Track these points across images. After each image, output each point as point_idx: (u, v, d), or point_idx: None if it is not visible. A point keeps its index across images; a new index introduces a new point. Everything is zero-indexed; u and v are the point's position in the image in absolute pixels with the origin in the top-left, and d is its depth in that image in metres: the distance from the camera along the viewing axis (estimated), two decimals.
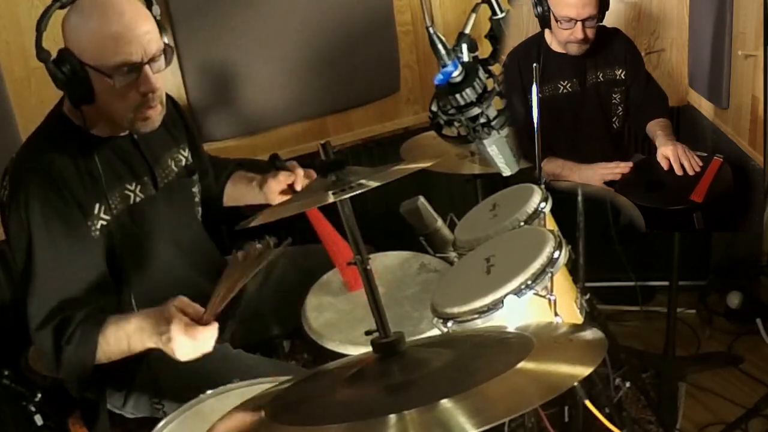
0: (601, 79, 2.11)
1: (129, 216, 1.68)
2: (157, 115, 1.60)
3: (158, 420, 1.45)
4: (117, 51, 1.49)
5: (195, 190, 1.91)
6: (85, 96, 1.53)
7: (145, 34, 1.51)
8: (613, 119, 2.14)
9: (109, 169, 1.63)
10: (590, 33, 2.02)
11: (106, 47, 1.48)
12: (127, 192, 1.68)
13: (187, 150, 1.89)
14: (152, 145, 1.76)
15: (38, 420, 1.86)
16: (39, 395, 1.88)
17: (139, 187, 1.71)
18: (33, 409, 1.86)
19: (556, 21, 2.02)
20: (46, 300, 1.55)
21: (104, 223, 1.62)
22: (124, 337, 1.51)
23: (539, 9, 2.03)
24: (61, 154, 1.58)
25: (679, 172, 2.00)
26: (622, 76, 2.10)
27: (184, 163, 1.87)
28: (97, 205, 1.61)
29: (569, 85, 2.11)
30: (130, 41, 1.49)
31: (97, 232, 1.61)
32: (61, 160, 1.57)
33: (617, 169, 2.08)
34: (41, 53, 1.50)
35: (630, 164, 2.08)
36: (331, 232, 1.86)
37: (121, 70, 1.50)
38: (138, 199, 1.70)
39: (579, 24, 2.00)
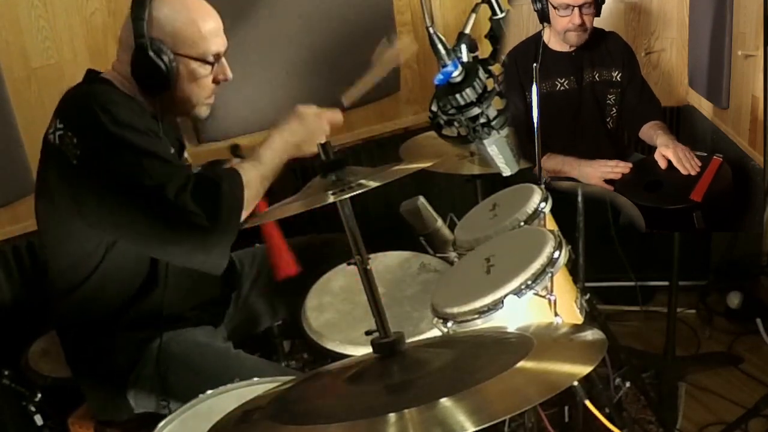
0: (597, 78, 2.12)
1: None
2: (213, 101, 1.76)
3: (157, 417, 1.45)
4: (215, 42, 1.66)
5: None
6: (173, 84, 1.63)
7: (222, 27, 1.69)
8: (607, 119, 2.15)
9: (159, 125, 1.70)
10: (587, 20, 2.05)
11: (207, 39, 1.64)
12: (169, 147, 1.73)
13: (186, 153, 1.92)
14: (174, 134, 1.84)
15: (38, 420, 1.87)
16: (39, 395, 1.88)
17: (173, 152, 1.76)
18: (33, 409, 1.87)
19: (555, 9, 2.04)
20: (169, 169, 1.57)
21: None
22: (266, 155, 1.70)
23: (538, 4, 2.05)
24: (122, 94, 1.65)
25: (683, 171, 2.00)
26: (618, 78, 2.11)
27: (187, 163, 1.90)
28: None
29: (566, 82, 2.12)
30: (220, 34, 1.68)
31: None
32: (123, 95, 1.65)
33: (617, 168, 2.09)
34: (143, 42, 1.58)
35: (629, 165, 2.08)
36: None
37: (214, 60, 1.67)
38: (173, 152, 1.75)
39: (576, 10, 2.03)
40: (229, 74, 1.71)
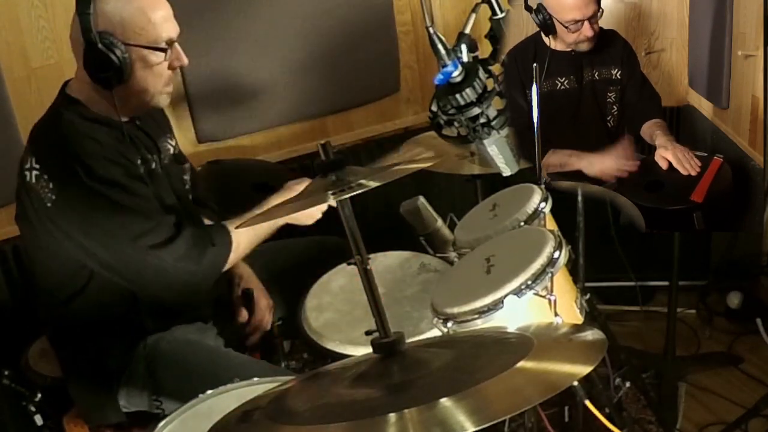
0: (597, 77, 2.12)
1: (149, 179, 1.71)
2: (172, 89, 1.73)
3: (149, 416, 1.45)
4: (166, 28, 1.63)
5: (186, 177, 1.92)
6: (128, 75, 1.60)
7: (172, 13, 1.66)
8: (608, 118, 2.15)
9: (127, 139, 1.69)
10: (596, 27, 2.05)
11: (157, 26, 1.61)
12: (147, 157, 1.74)
13: (173, 139, 1.92)
14: (151, 129, 1.81)
15: (38, 420, 1.86)
16: (39, 395, 1.88)
17: (152, 158, 1.76)
18: (33, 409, 1.86)
19: (564, 26, 2.03)
20: (146, 225, 1.60)
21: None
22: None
23: (540, 17, 2.04)
24: (90, 123, 1.63)
25: (683, 172, 2.00)
26: (618, 76, 2.11)
27: (172, 151, 1.89)
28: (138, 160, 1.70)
29: (566, 81, 2.12)
30: (170, 19, 1.65)
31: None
32: (91, 126, 1.63)
33: (625, 166, 2.08)
34: (91, 36, 1.55)
35: (638, 163, 2.08)
36: None
37: (167, 46, 1.63)
38: (154, 167, 1.75)
39: (586, 23, 2.02)
40: (185, 59, 1.68)
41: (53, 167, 1.58)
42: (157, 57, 1.62)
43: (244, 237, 1.73)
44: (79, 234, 1.60)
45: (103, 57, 1.56)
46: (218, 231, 1.71)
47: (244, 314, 1.91)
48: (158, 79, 1.66)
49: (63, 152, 1.58)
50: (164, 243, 1.60)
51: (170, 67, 1.67)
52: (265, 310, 1.94)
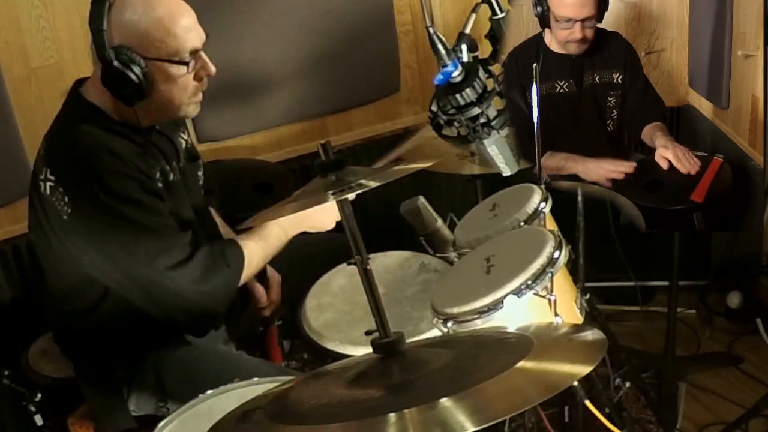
0: (598, 81, 2.11)
1: (167, 192, 1.67)
2: (201, 99, 1.66)
3: (158, 418, 1.45)
4: (189, 38, 1.55)
5: (200, 174, 1.89)
6: (149, 91, 1.53)
7: (196, 20, 1.58)
8: (608, 122, 2.15)
9: (149, 149, 1.65)
10: (589, 33, 2.03)
11: (179, 37, 1.53)
12: (166, 168, 1.69)
13: (186, 132, 1.88)
14: (169, 129, 1.76)
15: (38, 420, 1.87)
16: (39, 395, 1.88)
17: (171, 168, 1.72)
18: (33, 409, 1.87)
19: (556, 21, 2.03)
20: (162, 243, 1.56)
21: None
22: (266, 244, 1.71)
23: (539, 8, 2.03)
24: (110, 135, 1.57)
25: (683, 171, 2.00)
26: (620, 80, 2.10)
27: (185, 145, 1.85)
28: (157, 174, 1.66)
29: (566, 85, 2.12)
30: (193, 28, 1.57)
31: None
32: (111, 138, 1.57)
33: (621, 167, 2.08)
34: (106, 54, 1.48)
35: (633, 164, 2.08)
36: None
37: (191, 57, 1.56)
38: (172, 178, 1.70)
39: (578, 24, 2.01)
40: (212, 69, 1.61)
41: (69, 181, 1.53)
42: (179, 70, 1.55)
43: (256, 252, 1.69)
44: (94, 250, 1.56)
45: (121, 74, 1.48)
46: (232, 249, 1.66)
47: (262, 292, 1.89)
48: (183, 92, 1.59)
49: (79, 166, 1.53)
50: (180, 264, 1.56)
51: (196, 78, 1.59)
52: (277, 283, 1.93)
